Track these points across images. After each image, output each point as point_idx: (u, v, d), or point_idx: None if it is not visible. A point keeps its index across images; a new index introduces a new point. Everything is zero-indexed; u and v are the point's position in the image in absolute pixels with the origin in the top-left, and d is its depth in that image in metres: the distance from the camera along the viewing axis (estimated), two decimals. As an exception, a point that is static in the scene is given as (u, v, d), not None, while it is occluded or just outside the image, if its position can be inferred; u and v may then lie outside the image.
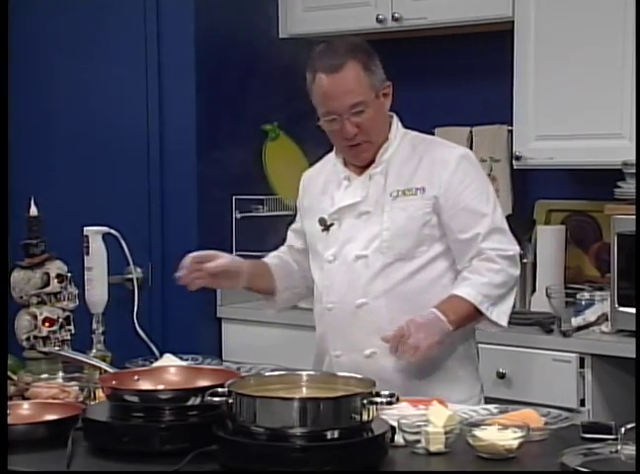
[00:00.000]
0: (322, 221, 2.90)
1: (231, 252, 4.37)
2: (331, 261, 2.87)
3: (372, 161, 2.87)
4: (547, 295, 3.79)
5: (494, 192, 2.90)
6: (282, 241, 4.55)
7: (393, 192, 2.83)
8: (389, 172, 2.85)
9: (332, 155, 2.98)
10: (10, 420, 2.28)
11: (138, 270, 4.15)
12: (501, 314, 2.79)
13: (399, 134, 2.89)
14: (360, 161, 2.88)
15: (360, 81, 2.78)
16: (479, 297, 2.75)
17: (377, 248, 2.81)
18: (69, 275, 3.04)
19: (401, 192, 2.82)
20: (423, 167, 2.84)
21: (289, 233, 3.14)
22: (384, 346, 2.78)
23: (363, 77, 2.78)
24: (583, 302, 3.76)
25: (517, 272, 2.83)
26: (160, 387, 2.37)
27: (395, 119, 2.91)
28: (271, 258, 3.11)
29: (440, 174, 2.81)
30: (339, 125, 2.80)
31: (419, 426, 2.20)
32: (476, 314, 2.77)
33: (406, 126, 2.94)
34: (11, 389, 2.61)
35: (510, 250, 2.81)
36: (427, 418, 2.22)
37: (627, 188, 3.65)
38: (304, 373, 2.31)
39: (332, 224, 2.89)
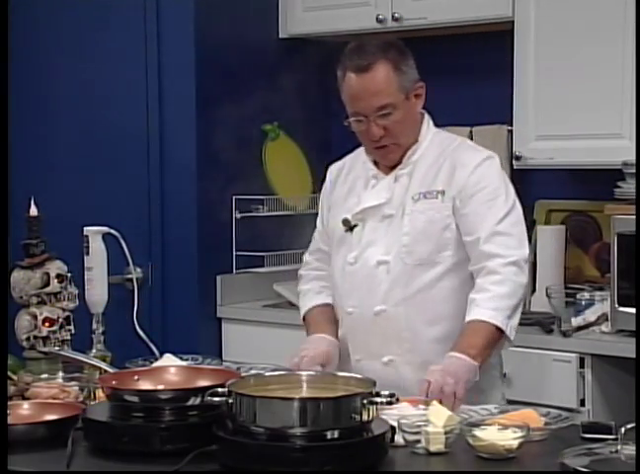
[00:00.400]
0: (346, 222, 2.84)
1: (231, 252, 4.39)
2: (352, 263, 2.81)
3: (401, 161, 2.81)
4: (547, 295, 3.79)
5: (513, 198, 2.77)
6: (282, 241, 4.55)
7: (415, 194, 2.77)
8: (414, 174, 2.79)
9: (362, 150, 2.90)
10: (10, 420, 2.28)
11: (138, 270, 4.15)
12: (511, 328, 2.68)
13: (429, 135, 2.83)
14: (388, 162, 2.82)
15: (389, 82, 2.71)
16: (489, 313, 2.63)
17: (398, 253, 2.75)
18: (69, 275, 3.03)
19: (422, 194, 2.76)
20: (445, 169, 2.77)
21: (317, 237, 3.03)
22: (403, 354, 2.75)
23: (393, 78, 2.71)
24: (583, 302, 3.76)
25: (523, 279, 2.70)
26: (160, 387, 2.36)
27: (426, 119, 2.85)
28: (323, 293, 2.96)
29: (458, 176, 2.74)
30: (365, 126, 2.74)
31: (419, 426, 2.20)
32: (496, 333, 2.64)
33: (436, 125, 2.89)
34: (11, 389, 2.61)
35: (513, 255, 2.68)
36: (427, 418, 2.22)
37: (627, 188, 3.65)
38: (304, 373, 2.32)
39: (355, 225, 2.83)
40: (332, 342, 2.85)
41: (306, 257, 3.08)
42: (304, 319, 2.98)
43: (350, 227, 2.84)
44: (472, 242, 2.72)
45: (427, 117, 2.86)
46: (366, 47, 2.74)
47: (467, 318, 2.66)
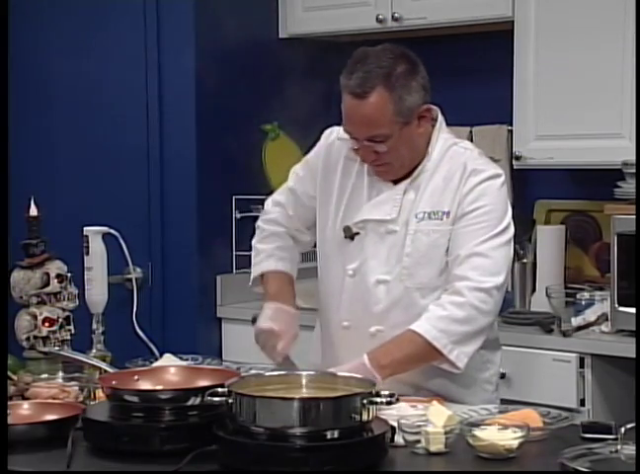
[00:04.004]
0: (347, 230, 2.72)
1: (231, 252, 4.39)
2: (351, 275, 2.72)
3: (407, 175, 2.68)
4: (547, 295, 3.79)
5: (508, 222, 2.65)
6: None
7: (419, 213, 2.66)
8: (422, 190, 2.67)
9: None
10: (10, 420, 2.28)
11: (138, 270, 4.15)
12: (461, 355, 2.56)
13: (439, 146, 2.69)
14: (386, 179, 2.70)
15: (383, 112, 2.55)
16: (433, 332, 2.54)
17: (399, 275, 2.66)
18: (69, 275, 3.03)
19: (427, 214, 2.65)
20: (450, 188, 2.65)
21: (286, 195, 2.96)
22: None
23: (389, 108, 2.56)
24: (583, 302, 3.76)
25: (489, 307, 2.58)
26: (160, 387, 2.36)
27: (437, 128, 2.70)
28: (282, 259, 2.91)
29: (460, 192, 2.63)
30: (357, 146, 2.64)
31: (419, 426, 2.20)
32: (430, 352, 2.55)
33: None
34: (11, 389, 2.61)
35: (486, 282, 2.56)
36: (427, 418, 2.22)
37: (627, 188, 3.65)
38: (304, 373, 2.31)
39: (357, 233, 2.71)
40: (296, 316, 2.81)
41: (269, 207, 3.00)
42: (263, 276, 2.93)
43: (351, 235, 2.73)
44: (451, 261, 2.63)
45: (438, 125, 2.71)
46: (370, 66, 2.56)
47: (411, 325, 2.58)
